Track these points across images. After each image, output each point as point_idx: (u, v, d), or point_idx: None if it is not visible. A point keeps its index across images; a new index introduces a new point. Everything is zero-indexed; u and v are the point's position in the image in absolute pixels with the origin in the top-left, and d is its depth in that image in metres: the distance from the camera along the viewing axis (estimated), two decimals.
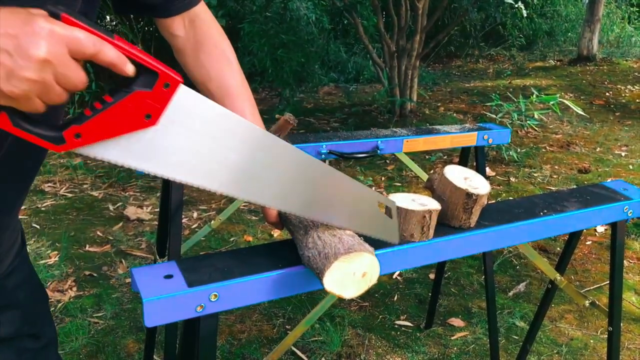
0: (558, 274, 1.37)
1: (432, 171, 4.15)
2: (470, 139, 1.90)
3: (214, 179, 0.75)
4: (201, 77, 0.97)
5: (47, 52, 0.57)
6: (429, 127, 1.93)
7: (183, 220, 3.20)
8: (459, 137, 1.88)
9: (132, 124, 0.66)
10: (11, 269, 0.92)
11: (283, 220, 0.95)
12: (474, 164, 2.04)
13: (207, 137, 0.72)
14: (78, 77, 0.60)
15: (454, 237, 1.04)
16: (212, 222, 1.77)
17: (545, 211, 1.17)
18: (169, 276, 0.85)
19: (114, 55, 0.61)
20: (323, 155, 1.63)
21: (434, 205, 1.00)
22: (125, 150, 0.68)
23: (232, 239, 3.01)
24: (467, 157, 2.06)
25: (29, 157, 0.87)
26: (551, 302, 1.61)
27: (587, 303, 1.40)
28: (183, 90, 0.68)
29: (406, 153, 1.81)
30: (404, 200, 1.00)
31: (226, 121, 0.74)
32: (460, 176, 1.03)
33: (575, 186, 3.90)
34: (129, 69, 0.63)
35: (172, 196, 1.47)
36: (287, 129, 1.14)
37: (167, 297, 0.81)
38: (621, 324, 1.43)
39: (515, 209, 1.17)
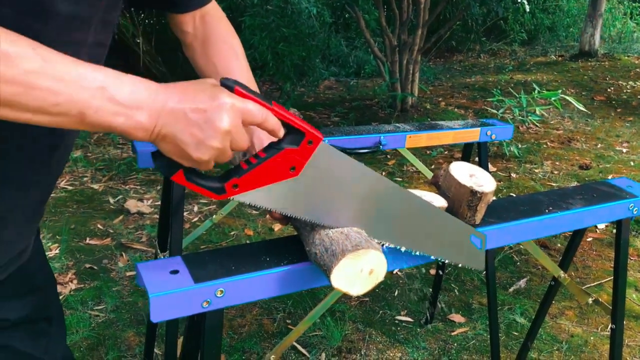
0: (562, 272, 1.37)
1: (436, 167, 4.14)
2: (473, 135, 1.90)
3: (340, 219, 0.85)
4: (209, 72, 0.99)
5: (229, 124, 0.66)
6: (432, 123, 1.92)
7: (184, 214, 3.19)
8: (462, 132, 1.87)
9: (279, 175, 0.77)
10: (32, 253, 0.94)
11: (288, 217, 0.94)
12: (476, 159, 2.03)
13: (338, 184, 0.83)
14: (246, 140, 0.70)
15: None
16: (214, 216, 1.77)
17: (551, 208, 1.17)
18: (175, 272, 0.85)
19: (274, 123, 0.71)
20: None
21: (440, 202, 0.99)
22: (269, 196, 0.78)
23: (232, 233, 3.01)
24: (470, 153, 2.05)
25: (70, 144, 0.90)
26: (553, 299, 1.61)
27: (590, 301, 1.40)
28: (322, 146, 0.78)
29: (408, 149, 1.81)
30: None
31: (354, 170, 0.84)
32: (465, 173, 1.03)
33: (576, 182, 3.91)
34: (281, 134, 0.74)
35: (173, 190, 1.47)
36: None
37: (173, 293, 0.80)
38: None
39: (520, 206, 1.17)
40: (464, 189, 1.02)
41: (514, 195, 3.70)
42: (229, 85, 0.69)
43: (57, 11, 0.67)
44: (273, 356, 1.04)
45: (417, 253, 0.95)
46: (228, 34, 1.01)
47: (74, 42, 0.71)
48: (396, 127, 1.81)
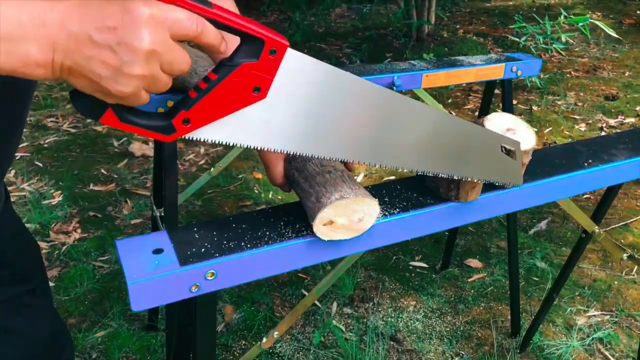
0: (596, 226, 1.24)
1: (454, 101, 3.93)
2: (496, 72, 1.72)
3: (332, 147, 0.69)
4: None
5: (151, 42, 0.51)
6: (451, 59, 1.74)
7: (189, 157, 3.08)
8: (485, 69, 1.69)
9: (241, 100, 0.61)
10: None
11: (291, 182, 0.82)
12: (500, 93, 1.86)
13: (319, 102, 0.65)
14: (183, 59, 0.55)
15: (482, 196, 0.89)
16: (212, 169, 1.65)
17: (590, 161, 1.02)
18: (158, 250, 0.74)
19: (214, 35, 0.56)
20: None
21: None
22: (232, 129, 0.63)
23: (240, 176, 2.90)
24: (493, 89, 1.87)
25: (23, 105, 0.82)
26: (584, 251, 1.49)
27: (625, 256, 1.28)
28: (290, 55, 0.61)
29: (425, 89, 1.64)
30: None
31: (338, 81, 0.66)
32: (503, 126, 0.87)
33: (601, 114, 3.69)
34: (223, 48, 0.57)
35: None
36: None
37: (155, 278, 0.69)
38: None
39: (557, 159, 1.02)
40: None
41: (536, 130, 3.51)
42: None
43: None
44: (276, 332, 0.95)
45: (442, 175, 0.77)
46: None
47: None
48: (411, 64, 1.63)
